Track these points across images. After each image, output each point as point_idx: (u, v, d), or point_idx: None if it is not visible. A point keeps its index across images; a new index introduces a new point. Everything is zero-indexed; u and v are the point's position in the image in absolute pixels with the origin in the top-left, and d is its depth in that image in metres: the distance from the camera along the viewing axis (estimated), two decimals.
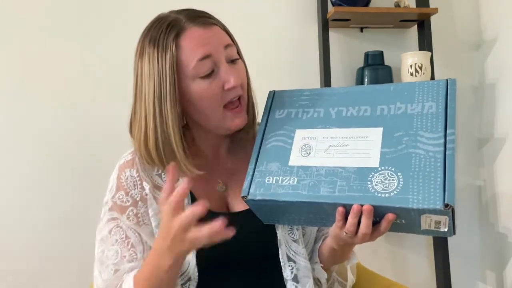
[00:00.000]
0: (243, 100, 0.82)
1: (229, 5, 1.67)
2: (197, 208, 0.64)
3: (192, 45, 0.77)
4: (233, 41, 0.83)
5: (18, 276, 1.58)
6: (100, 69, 1.65)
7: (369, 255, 1.57)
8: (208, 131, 0.85)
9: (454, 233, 0.69)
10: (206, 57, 0.77)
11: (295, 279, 0.83)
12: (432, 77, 1.72)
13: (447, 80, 0.76)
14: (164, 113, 0.77)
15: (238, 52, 0.84)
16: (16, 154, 1.60)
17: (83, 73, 1.65)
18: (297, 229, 0.86)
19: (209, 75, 0.78)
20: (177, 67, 0.77)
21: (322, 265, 0.88)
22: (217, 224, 0.63)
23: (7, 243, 1.58)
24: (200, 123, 0.83)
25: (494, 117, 1.75)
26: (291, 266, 0.83)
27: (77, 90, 1.64)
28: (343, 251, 0.85)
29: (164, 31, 0.78)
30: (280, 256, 0.83)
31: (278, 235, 0.84)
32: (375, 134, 0.73)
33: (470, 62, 1.85)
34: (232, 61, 0.81)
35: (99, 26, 1.66)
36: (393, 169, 0.69)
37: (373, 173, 0.69)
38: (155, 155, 0.79)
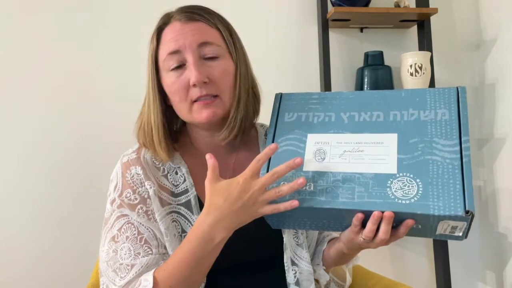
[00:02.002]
0: (219, 99, 0.80)
1: (229, 5, 1.67)
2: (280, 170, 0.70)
3: (168, 39, 0.81)
4: (225, 40, 0.83)
5: (18, 275, 1.58)
6: (103, 71, 1.65)
7: (369, 254, 1.57)
8: (199, 129, 0.85)
9: (466, 237, 0.70)
10: (175, 52, 0.79)
11: (298, 283, 0.83)
12: (432, 77, 1.72)
13: (457, 87, 0.77)
14: (149, 100, 0.83)
15: (230, 52, 0.83)
16: (15, 154, 1.60)
17: (85, 74, 1.64)
18: (301, 233, 0.86)
19: (177, 69, 0.79)
20: (156, 59, 0.83)
21: (324, 268, 0.89)
22: (300, 180, 0.69)
23: (7, 243, 1.58)
24: (181, 118, 0.84)
25: (494, 117, 1.75)
26: (294, 270, 0.83)
27: (77, 91, 1.63)
28: (352, 254, 0.86)
29: (156, 25, 0.84)
30: (285, 260, 0.83)
31: (284, 239, 0.84)
32: (390, 140, 0.74)
33: (470, 62, 1.85)
34: (210, 59, 0.80)
35: (102, 27, 1.66)
36: (411, 176, 0.69)
37: (391, 179, 0.70)
38: (148, 138, 0.83)
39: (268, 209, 0.70)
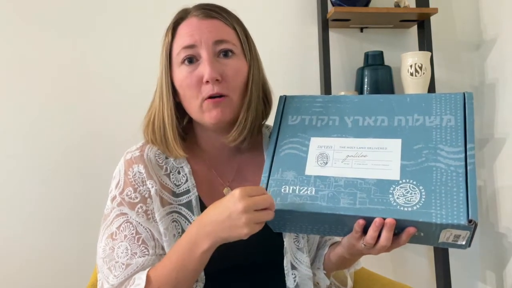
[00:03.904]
0: (228, 99, 0.79)
1: (228, 6, 1.67)
2: (271, 209, 0.68)
3: (183, 33, 0.80)
4: (240, 41, 0.83)
5: (18, 275, 1.58)
6: (103, 70, 1.65)
7: (369, 255, 1.58)
8: (206, 129, 0.85)
9: (469, 246, 0.69)
10: (190, 46, 0.79)
11: (297, 287, 0.82)
12: (432, 77, 1.72)
13: (464, 93, 0.76)
14: (162, 95, 0.82)
15: (245, 53, 0.83)
16: (16, 154, 1.60)
17: (86, 75, 1.64)
18: (302, 237, 0.85)
19: (190, 64, 0.79)
20: (170, 53, 0.82)
21: (325, 272, 0.88)
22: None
23: (7, 242, 1.58)
24: (190, 115, 0.84)
25: (494, 117, 1.75)
26: (294, 274, 0.82)
27: (76, 89, 1.64)
28: (353, 260, 0.85)
29: (172, 19, 0.83)
30: (285, 264, 0.82)
31: (284, 243, 0.83)
32: (394, 145, 0.73)
33: (470, 62, 1.85)
34: (224, 56, 0.80)
35: (104, 27, 1.66)
36: (414, 182, 0.68)
37: (394, 186, 0.69)
38: (158, 133, 0.83)
39: (255, 228, 0.67)
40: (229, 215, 0.66)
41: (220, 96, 0.78)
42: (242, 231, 0.66)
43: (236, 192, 0.67)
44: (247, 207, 0.65)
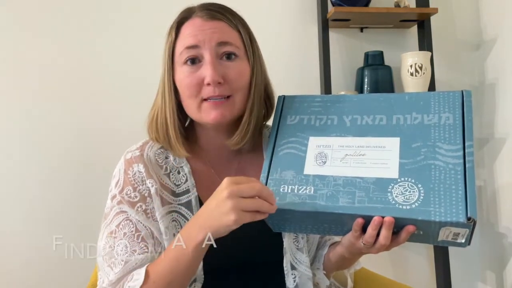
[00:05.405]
0: (230, 100, 0.79)
1: (229, 6, 1.67)
2: (263, 198, 0.66)
3: (187, 33, 0.80)
4: (243, 43, 0.82)
5: (18, 275, 1.58)
6: (103, 70, 1.65)
7: (369, 254, 1.58)
8: (206, 129, 0.85)
9: (469, 244, 0.69)
10: (193, 47, 0.78)
11: (297, 287, 0.82)
12: (432, 77, 1.72)
13: (462, 91, 0.76)
14: (164, 94, 0.82)
15: (248, 55, 0.83)
16: (17, 154, 1.60)
17: (86, 74, 1.65)
18: (302, 238, 0.85)
19: (192, 64, 0.79)
20: (172, 52, 0.82)
21: (325, 272, 0.88)
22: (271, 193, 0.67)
23: (7, 242, 1.58)
24: (189, 114, 0.84)
25: (494, 117, 1.75)
26: (294, 274, 0.82)
27: (79, 91, 1.64)
28: (353, 259, 0.86)
29: (176, 18, 0.83)
30: (284, 264, 0.83)
31: (284, 243, 0.83)
32: (393, 144, 0.73)
33: (470, 62, 1.85)
34: (227, 58, 0.80)
35: (104, 27, 1.66)
36: (413, 181, 0.68)
37: (392, 184, 0.69)
38: (161, 132, 0.83)
39: (244, 216, 0.65)
40: (217, 202, 0.66)
41: (221, 98, 0.78)
42: (229, 217, 0.64)
43: (224, 180, 0.67)
44: (231, 193, 0.64)
